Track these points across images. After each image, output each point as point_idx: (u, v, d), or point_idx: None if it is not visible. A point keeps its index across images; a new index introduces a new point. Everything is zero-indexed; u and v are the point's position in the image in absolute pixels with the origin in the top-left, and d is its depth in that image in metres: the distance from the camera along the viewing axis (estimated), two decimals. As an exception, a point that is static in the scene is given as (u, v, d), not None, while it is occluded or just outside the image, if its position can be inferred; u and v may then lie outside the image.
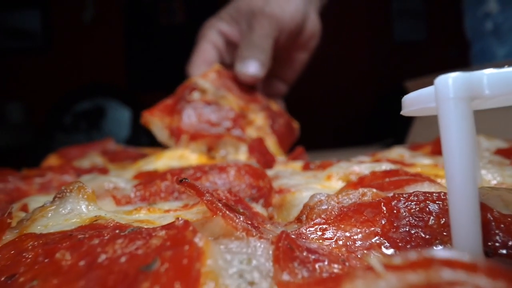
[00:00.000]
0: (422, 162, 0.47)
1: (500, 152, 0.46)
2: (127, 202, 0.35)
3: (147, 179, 0.39)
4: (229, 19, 0.70)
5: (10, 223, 0.24)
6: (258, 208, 0.33)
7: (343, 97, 3.12)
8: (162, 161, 0.57)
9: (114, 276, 0.14)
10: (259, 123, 0.63)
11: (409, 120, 1.01)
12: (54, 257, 0.17)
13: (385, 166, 0.38)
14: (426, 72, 1.29)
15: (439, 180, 0.34)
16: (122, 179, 0.39)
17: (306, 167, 0.48)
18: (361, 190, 0.27)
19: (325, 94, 3.12)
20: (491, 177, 0.37)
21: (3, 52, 2.97)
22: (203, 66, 0.68)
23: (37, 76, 3.02)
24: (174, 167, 0.52)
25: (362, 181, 0.33)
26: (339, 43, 3.02)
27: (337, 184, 0.36)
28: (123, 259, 0.15)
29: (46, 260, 0.18)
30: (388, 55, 3.12)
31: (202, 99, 0.62)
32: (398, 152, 0.55)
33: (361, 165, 0.38)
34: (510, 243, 0.19)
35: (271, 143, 0.62)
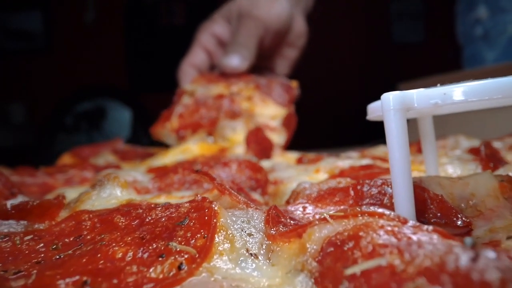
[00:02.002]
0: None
1: (471, 150, 0.54)
2: (146, 192, 0.43)
3: (161, 173, 0.47)
4: (221, 20, 0.79)
5: (64, 203, 0.31)
6: (256, 196, 0.41)
7: (342, 98, 3.19)
8: (168, 158, 0.65)
9: (159, 228, 0.22)
10: (251, 94, 0.71)
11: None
12: (112, 221, 0.24)
13: (364, 162, 0.46)
14: (425, 73, 1.37)
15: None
16: (139, 173, 0.47)
17: (299, 161, 0.56)
18: (338, 179, 0.35)
19: (323, 95, 3.19)
20: (452, 171, 0.44)
21: (5, 53, 3.04)
22: (191, 70, 0.77)
23: (38, 77, 3.09)
24: (181, 161, 0.60)
25: (342, 173, 0.40)
26: (338, 44, 3.10)
27: (323, 176, 0.44)
28: (163, 219, 0.23)
29: (103, 225, 0.25)
30: (386, 56, 3.19)
31: (192, 98, 0.71)
32: (382, 150, 0.63)
33: (345, 161, 0.46)
34: (438, 214, 0.27)
35: (269, 105, 0.69)
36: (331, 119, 3.17)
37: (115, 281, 0.17)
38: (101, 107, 3.27)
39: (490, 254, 0.13)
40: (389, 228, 0.17)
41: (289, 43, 0.81)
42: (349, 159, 0.47)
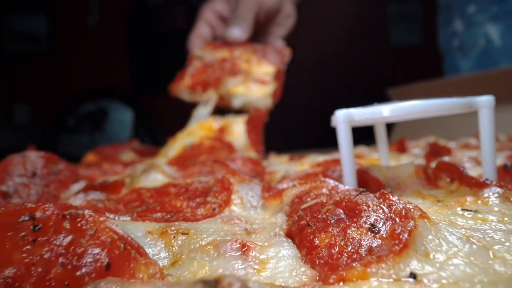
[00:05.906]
0: (372, 156, 0.70)
1: (428, 149, 0.69)
2: (174, 179, 0.59)
3: (182, 165, 0.63)
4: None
5: (125, 183, 0.47)
6: (256, 182, 0.57)
7: (339, 100, 3.35)
8: (178, 144, 0.83)
9: (198, 192, 0.38)
10: (249, 57, 0.91)
11: (393, 123, 1.24)
12: (166, 190, 0.40)
13: (338, 156, 0.61)
14: (423, 76, 1.53)
15: (369, 166, 0.57)
16: (166, 166, 0.63)
17: (291, 159, 0.72)
18: (314, 168, 0.51)
19: (320, 97, 3.34)
20: (404, 164, 0.60)
21: (10, 55, 3.19)
22: (199, 41, 0.98)
23: (42, 78, 3.24)
24: (188, 144, 0.78)
25: (319, 165, 0.56)
26: (336, 47, 3.25)
27: (306, 167, 0.60)
28: (200, 187, 0.39)
29: (158, 194, 0.41)
30: (384, 58, 3.35)
31: (201, 61, 0.91)
32: (360, 150, 0.79)
33: (324, 156, 0.62)
34: (375, 189, 0.42)
35: (263, 65, 0.89)
36: (327, 121, 3.32)
37: (180, 214, 0.33)
38: (104, 108, 3.43)
39: (369, 194, 0.29)
40: (327, 187, 0.33)
41: (279, 23, 1.01)
42: (328, 155, 0.63)
